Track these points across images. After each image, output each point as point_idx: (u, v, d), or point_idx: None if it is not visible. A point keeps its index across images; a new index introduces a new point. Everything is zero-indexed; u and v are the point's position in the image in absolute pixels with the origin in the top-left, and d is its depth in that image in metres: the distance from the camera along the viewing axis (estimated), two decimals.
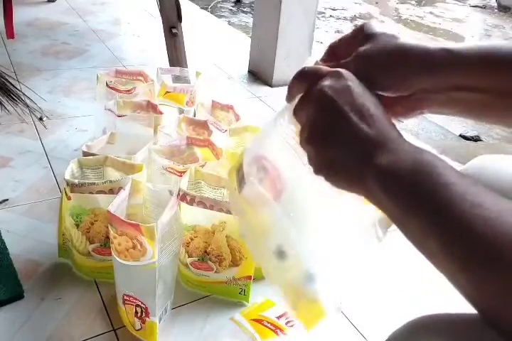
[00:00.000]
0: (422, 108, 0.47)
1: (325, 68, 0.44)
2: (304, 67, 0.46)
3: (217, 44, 2.40)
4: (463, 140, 1.95)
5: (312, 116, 0.42)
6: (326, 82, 0.42)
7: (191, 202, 0.85)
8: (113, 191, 0.86)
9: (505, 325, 0.31)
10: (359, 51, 0.45)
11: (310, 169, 0.44)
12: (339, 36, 0.49)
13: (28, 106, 1.05)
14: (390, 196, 0.37)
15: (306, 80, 0.45)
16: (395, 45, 0.44)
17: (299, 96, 0.45)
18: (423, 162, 0.36)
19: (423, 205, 0.34)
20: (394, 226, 0.40)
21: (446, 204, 0.33)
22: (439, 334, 0.35)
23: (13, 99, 1.02)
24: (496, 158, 0.62)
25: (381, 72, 0.44)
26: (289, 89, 0.47)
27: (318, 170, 0.42)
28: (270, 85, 1.96)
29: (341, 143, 0.40)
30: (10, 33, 1.66)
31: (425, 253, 0.36)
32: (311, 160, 0.43)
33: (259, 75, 2.03)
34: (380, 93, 0.44)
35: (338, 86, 0.41)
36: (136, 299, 0.80)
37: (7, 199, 1.15)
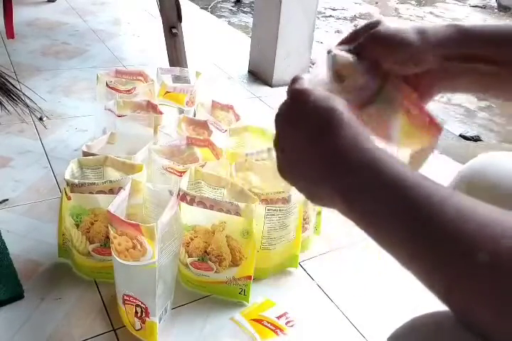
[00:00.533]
0: (437, 83, 0.47)
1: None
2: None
3: (217, 44, 2.40)
4: (463, 140, 1.95)
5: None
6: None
7: (191, 202, 0.85)
8: (113, 191, 0.86)
9: (479, 326, 0.30)
10: (372, 32, 0.45)
11: None
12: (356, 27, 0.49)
13: (28, 106, 1.05)
14: (353, 219, 0.36)
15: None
16: (407, 27, 0.45)
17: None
18: (377, 181, 0.34)
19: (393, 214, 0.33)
20: None
21: (409, 209, 0.32)
22: (442, 332, 0.35)
23: (13, 99, 1.02)
24: (501, 155, 0.62)
25: (394, 49, 0.44)
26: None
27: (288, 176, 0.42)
28: (270, 85, 1.96)
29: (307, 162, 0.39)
30: (10, 33, 1.67)
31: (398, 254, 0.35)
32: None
33: (259, 75, 2.03)
34: (396, 72, 0.45)
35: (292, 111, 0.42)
36: (136, 299, 0.80)
37: (7, 199, 1.15)
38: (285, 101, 0.42)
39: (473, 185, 0.61)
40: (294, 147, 0.41)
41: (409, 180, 0.33)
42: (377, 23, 0.46)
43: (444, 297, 0.32)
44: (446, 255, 0.30)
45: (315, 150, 0.38)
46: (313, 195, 0.40)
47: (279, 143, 0.43)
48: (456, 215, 0.30)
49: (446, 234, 0.30)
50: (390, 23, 0.46)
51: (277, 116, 0.44)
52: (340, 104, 0.39)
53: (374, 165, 0.35)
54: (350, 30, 0.49)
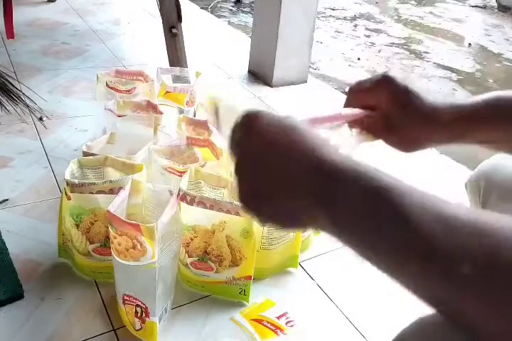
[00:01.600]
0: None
1: None
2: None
3: (217, 44, 2.40)
4: None
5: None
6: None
7: (191, 202, 0.85)
8: (113, 191, 0.86)
9: (466, 323, 0.30)
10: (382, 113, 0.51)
11: None
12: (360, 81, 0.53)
13: (28, 106, 1.05)
14: (342, 231, 0.35)
15: None
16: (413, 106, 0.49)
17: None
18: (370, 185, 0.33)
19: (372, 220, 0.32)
20: None
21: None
22: (449, 331, 0.35)
23: (13, 99, 1.02)
24: (509, 159, 0.64)
25: (395, 135, 0.51)
26: None
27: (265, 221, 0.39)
28: (270, 85, 1.96)
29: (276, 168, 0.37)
30: (10, 33, 1.67)
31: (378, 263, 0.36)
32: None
33: (259, 75, 2.03)
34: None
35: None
36: (136, 299, 0.80)
37: (7, 199, 1.15)
38: (241, 121, 0.39)
39: (492, 180, 0.64)
40: (264, 165, 0.37)
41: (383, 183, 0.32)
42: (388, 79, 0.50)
43: (425, 300, 0.33)
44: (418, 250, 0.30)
45: (287, 161, 0.36)
46: (289, 216, 0.37)
47: (241, 167, 0.38)
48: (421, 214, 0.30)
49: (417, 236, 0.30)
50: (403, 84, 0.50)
51: (234, 138, 0.39)
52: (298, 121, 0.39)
53: (352, 173, 0.33)
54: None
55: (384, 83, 0.50)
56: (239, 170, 0.38)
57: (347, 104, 0.53)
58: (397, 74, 0.51)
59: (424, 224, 0.29)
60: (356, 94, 0.53)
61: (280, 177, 0.36)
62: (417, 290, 0.33)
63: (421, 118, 0.49)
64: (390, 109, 0.50)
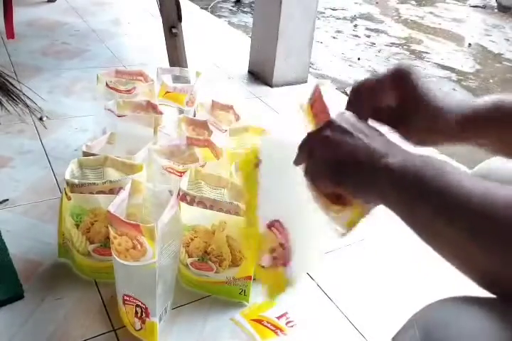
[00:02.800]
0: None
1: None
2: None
3: (217, 44, 2.40)
4: None
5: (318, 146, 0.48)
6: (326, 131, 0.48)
7: (191, 202, 0.85)
8: (113, 191, 0.86)
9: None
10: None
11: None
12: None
13: (28, 106, 1.04)
14: (399, 190, 0.41)
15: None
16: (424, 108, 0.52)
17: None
18: (425, 159, 0.42)
19: (429, 192, 0.39)
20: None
21: (447, 188, 0.39)
22: (462, 309, 0.38)
23: (13, 99, 1.01)
24: (504, 161, 0.64)
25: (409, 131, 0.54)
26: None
27: (334, 179, 0.47)
28: (270, 85, 1.96)
29: (353, 156, 0.45)
30: (10, 33, 1.66)
31: (431, 237, 0.40)
32: (324, 173, 0.47)
33: (259, 75, 2.03)
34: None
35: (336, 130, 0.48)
36: (136, 299, 0.80)
37: (7, 200, 1.15)
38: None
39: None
40: (343, 141, 0.46)
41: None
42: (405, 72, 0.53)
43: (481, 264, 0.37)
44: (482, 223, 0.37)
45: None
46: (361, 181, 0.45)
47: (321, 146, 0.48)
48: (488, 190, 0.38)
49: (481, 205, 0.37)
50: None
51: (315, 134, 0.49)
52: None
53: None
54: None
55: (395, 81, 0.52)
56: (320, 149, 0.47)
57: (351, 105, 0.53)
58: (404, 70, 0.53)
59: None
60: (363, 94, 0.53)
61: (354, 174, 0.45)
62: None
63: (430, 120, 0.52)
64: (402, 107, 0.52)
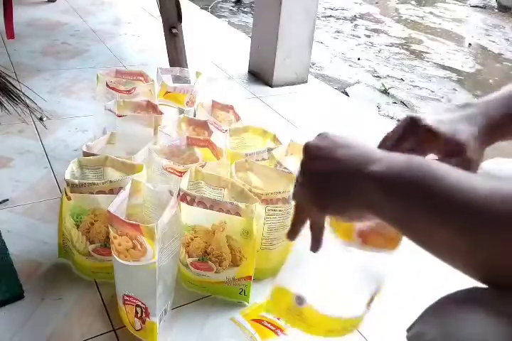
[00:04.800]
0: None
1: None
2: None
3: (217, 44, 2.40)
4: None
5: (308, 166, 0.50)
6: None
7: (191, 202, 0.85)
8: (113, 191, 0.86)
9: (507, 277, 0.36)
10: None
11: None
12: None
13: (28, 106, 1.05)
14: (390, 197, 0.41)
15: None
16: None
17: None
18: (409, 161, 0.42)
19: (418, 194, 0.39)
20: None
21: (437, 187, 0.39)
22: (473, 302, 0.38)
23: (14, 99, 1.02)
24: (506, 160, 0.65)
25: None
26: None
27: (319, 203, 0.48)
28: (270, 85, 1.96)
29: (332, 175, 0.46)
30: (10, 33, 1.66)
31: (426, 239, 0.40)
32: (309, 197, 0.49)
33: (259, 75, 2.03)
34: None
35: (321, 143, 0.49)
36: (136, 299, 0.80)
37: (7, 200, 1.15)
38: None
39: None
40: (326, 157, 0.47)
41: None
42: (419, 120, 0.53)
43: (469, 261, 0.38)
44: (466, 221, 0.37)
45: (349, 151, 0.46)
46: (347, 200, 0.45)
47: (307, 164, 0.49)
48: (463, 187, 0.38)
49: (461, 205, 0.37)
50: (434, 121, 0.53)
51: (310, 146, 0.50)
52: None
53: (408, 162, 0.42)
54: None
55: (411, 131, 0.54)
56: (307, 166, 0.49)
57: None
58: (419, 116, 0.54)
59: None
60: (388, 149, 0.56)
61: (339, 188, 0.45)
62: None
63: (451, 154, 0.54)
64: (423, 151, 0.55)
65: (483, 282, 0.38)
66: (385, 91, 2.44)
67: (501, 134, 0.55)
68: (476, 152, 0.53)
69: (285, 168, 0.96)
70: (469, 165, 0.54)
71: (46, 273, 0.96)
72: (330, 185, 0.46)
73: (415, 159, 0.42)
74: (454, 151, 0.53)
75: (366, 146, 0.47)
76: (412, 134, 0.54)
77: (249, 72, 2.08)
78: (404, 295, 0.99)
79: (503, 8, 4.55)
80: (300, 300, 0.58)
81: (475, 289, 0.39)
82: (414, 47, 3.28)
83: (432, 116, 0.54)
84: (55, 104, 1.62)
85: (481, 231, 0.36)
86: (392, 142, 0.55)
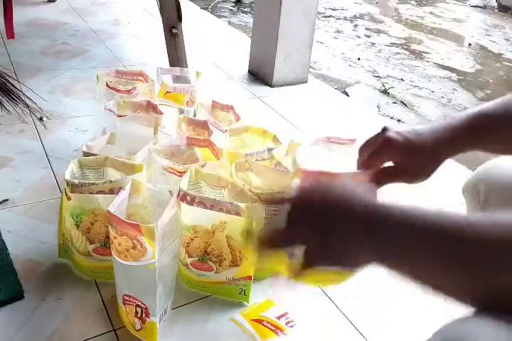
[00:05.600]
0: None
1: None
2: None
3: (217, 44, 2.40)
4: None
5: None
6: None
7: (191, 202, 0.85)
8: (113, 191, 0.86)
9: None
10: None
11: None
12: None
13: (28, 106, 1.04)
14: (390, 257, 0.46)
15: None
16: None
17: None
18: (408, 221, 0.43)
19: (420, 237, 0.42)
20: None
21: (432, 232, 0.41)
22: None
23: (14, 99, 1.01)
24: (506, 160, 0.66)
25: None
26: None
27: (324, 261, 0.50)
28: (270, 85, 1.96)
29: (321, 235, 0.47)
30: (10, 33, 1.66)
31: (429, 278, 0.43)
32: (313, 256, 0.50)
33: (259, 75, 2.03)
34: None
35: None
36: (136, 299, 0.80)
37: (7, 200, 1.15)
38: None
39: (491, 185, 0.68)
40: (322, 223, 0.47)
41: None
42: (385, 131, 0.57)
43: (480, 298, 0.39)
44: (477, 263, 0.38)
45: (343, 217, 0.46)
46: (350, 257, 0.49)
47: (303, 231, 0.49)
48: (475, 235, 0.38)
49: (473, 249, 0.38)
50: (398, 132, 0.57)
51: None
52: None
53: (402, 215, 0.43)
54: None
55: (385, 145, 0.57)
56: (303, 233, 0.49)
57: (361, 166, 0.61)
58: (392, 129, 0.58)
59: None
60: (366, 159, 0.60)
61: (336, 234, 0.47)
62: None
63: (425, 162, 0.58)
64: (398, 163, 0.59)
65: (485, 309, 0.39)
66: (385, 92, 2.44)
67: (459, 148, 0.58)
68: (428, 161, 0.58)
69: (285, 167, 0.96)
70: (421, 172, 0.58)
71: (46, 273, 0.96)
72: (318, 251, 0.49)
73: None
74: (408, 159, 0.57)
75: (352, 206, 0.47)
76: (382, 145, 0.58)
77: (249, 72, 2.08)
78: (404, 295, 0.99)
79: (503, 8, 4.55)
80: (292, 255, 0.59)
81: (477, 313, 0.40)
82: (414, 47, 3.28)
83: (402, 127, 0.58)
84: (55, 104, 1.62)
85: (490, 264, 0.37)
86: (366, 152, 0.59)
